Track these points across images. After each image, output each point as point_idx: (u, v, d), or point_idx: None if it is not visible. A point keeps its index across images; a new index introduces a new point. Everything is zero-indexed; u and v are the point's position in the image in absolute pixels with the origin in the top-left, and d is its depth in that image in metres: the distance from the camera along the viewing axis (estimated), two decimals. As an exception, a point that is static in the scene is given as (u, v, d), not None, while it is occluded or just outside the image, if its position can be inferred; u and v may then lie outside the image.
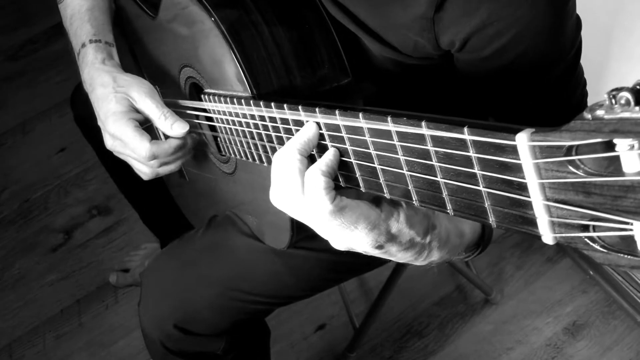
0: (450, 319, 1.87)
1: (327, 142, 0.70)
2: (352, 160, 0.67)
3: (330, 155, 0.68)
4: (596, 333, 1.80)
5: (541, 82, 0.84)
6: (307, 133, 0.70)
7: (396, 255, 0.71)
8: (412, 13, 0.81)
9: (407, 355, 1.82)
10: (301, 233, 1.00)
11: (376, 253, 0.70)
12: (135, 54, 1.25)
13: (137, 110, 0.98)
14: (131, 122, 0.96)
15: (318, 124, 0.70)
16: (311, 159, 0.71)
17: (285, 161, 0.69)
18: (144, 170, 1.02)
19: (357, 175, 0.68)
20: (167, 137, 1.00)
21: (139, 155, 0.97)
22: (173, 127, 0.97)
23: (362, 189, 0.68)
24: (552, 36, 0.78)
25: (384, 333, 1.86)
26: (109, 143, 1.00)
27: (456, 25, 0.79)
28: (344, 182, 0.70)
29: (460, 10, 0.78)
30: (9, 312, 2.02)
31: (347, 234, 0.67)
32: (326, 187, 0.66)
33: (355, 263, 1.22)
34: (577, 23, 0.83)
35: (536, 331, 1.82)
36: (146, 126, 1.00)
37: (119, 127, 0.96)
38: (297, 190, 0.68)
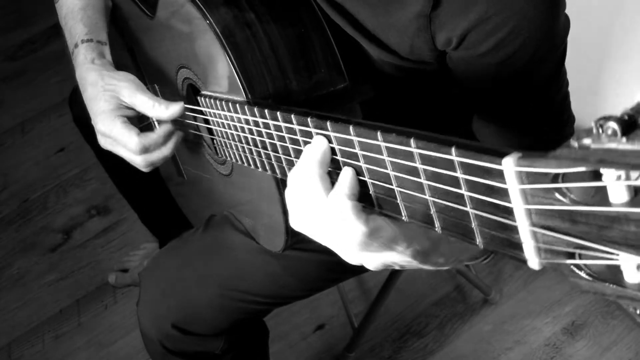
0: (449, 319, 1.87)
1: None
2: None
3: (350, 177, 0.64)
4: (595, 333, 1.80)
5: (531, 79, 0.84)
6: (320, 148, 0.67)
7: (432, 260, 0.69)
8: (410, 11, 0.81)
9: (406, 355, 1.82)
10: (296, 236, 1.00)
11: (415, 262, 0.67)
12: (134, 54, 1.25)
13: (126, 107, 0.99)
14: (119, 119, 0.98)
15: (311, 133, 0.69)
16: None
17: (306, 181, 0.66)
18: (139, 165, 1.02)
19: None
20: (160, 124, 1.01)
21: (130, 149, 0.98)
22: (169, 108, 0.97)
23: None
24: (547, 28, 0.78)
25: (383, 333, 1.86)
26: (102, 142, 1.02)
27: (453, 21, 0.78)
28: None
29: (457, 5, 0.77)
30: (8, 312, 2.02)
31: (386, 254, 0.64)
32: (357, 211, 0.62)
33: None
34: (566, 19, 0.83)
35: (535, 331, 1.82)
36: (146, 124, 1.01)
37: (108, 125, 0.98)
38: (325, 212, 0.64)
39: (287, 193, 0.68)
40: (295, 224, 0.69)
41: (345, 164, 0.65)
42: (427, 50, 0.84)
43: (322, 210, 0.64)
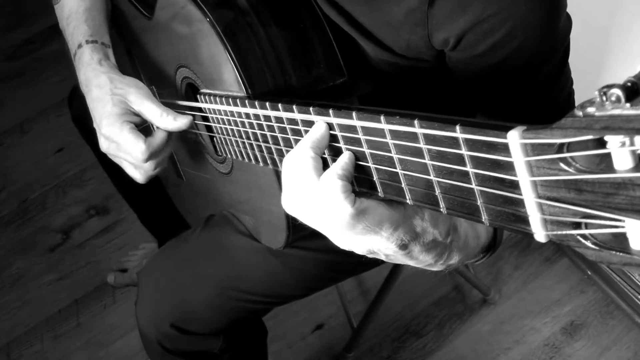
0: (448, 319, 1.87)
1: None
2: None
3: (345, 159, 0.66)
4: (594, 333, 1.80)
5: (533, 78, 0.84)
6: (317, 132, 0.68)
7: (418, 257, 0.69)
8: (405, 7, 0.81)
9: (405, 355, 1.82)
10: (297, 233, 1.00)
11: (400, 255, 0.67)
12: (132, 55, 1.25)
13: (133, 113, 0.98)
14: (126, 125, 0.97)
15: (313, 122, 0.69)
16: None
17: (298, 161, 0.66)
18: (137, 175, 1.02)
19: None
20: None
21: (134, 157, 0.97)
22: (177, 120, 0.97)
23: (356, 188, 0.68)
24: (546, 31, 0.78)
25: (382, 333, 1.86)
26: (104, 146, 1.00)
27: (450, 21, 0.78)
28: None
29: (453, 5, 0.77)
30: (7, 312, 2.02)
31: (371, 237, 0.64)
32: (345, 191, 0.62)
33: (352, 263, 1.22)
34: (568, 19, 0.83)
35: (534, 331, 1.82)
36: (142, 127, 1.00)
37: (114, 130, 0.96)
38: (314, 192, 0.64)
39: (282, 175, 0.69)
40: (287, 205, 0.68)
41: (348, 150, 0.66)
42: (423, 48, 0.84)
43: (311, 190, 0.64)
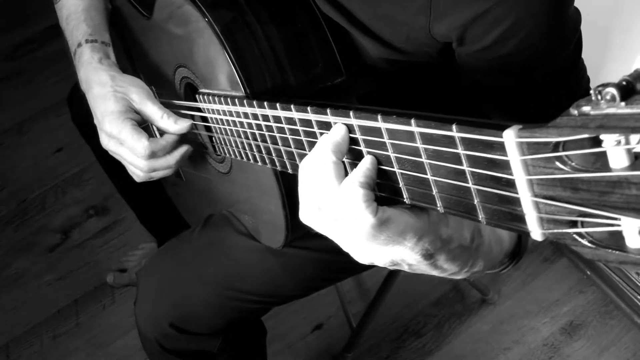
0: (447, 319, 1.87)
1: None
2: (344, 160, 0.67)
3: (367, 164, 0.62)
4: (593, 333, 1.80)
5: (544, 72, 0.83)
6: (338, 134, 0.64)
7: (443, 265, 0.66)
8: None
9: (405, 355, 1.82)
10: (297, 232, 1.00)
11: (423, 265, 0.65)
12: (131, 55, 1.25)
13: (135, 111, 0.99)
14: (128, 121, 0.97)
15: (311, 121, 0.69)
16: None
17: (318, 166, 0.62)
18: (137, 172, 1.02)
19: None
20: (162, 134, 1.01)
21: (137, 153, 0.97)
22: (178, 122, 0.97)
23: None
24: (552, 20, 0.77)
25: (381, 333, 1.86)
26: (105, 142, 1.01)
27: (453, 11, 0.78)
28: None
29: None
30: (6, 312, 2.01)
31: (394, 248, 0.61)
32: (366, 200, 0.59)
33: (351, 263, 1.21)
34: (577, 12, 0.82)
35: (533, 331, 1.82)
36: (143, 126, 1.00)
37: (116, 126, 0.97)
38: (334, 201, 0.60)
39: (299, 182, 0.65)
40: (305, 215, 0.65)
41: (370, 154, 0.63)
42: (424, 39, 0.83)
43: (332, 198, 0.61)
